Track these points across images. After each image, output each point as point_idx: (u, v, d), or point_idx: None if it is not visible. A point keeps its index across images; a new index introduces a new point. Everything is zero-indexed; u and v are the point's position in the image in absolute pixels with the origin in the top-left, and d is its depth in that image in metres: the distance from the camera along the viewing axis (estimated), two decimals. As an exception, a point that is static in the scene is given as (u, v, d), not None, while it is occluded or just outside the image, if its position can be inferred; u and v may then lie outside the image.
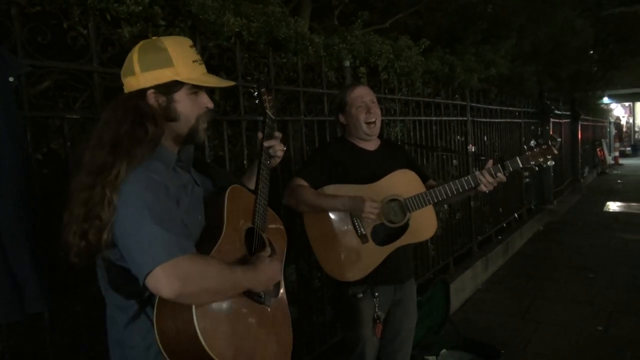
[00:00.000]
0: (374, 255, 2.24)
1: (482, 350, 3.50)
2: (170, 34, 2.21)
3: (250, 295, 1.40)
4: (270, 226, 1.64)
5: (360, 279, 2.25)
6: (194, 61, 1.38)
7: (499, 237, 6.24)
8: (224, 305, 1.32)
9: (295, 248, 2.85)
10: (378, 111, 2.35)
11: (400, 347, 2.46)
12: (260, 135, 1.70)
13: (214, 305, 1.28)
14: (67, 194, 1.28)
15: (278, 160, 1.73)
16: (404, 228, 2.26)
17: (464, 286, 4.82)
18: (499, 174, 2.17)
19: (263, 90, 1.74)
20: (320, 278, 3.14)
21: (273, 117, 1.74)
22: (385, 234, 2.25)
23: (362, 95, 2.33)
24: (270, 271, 1.43)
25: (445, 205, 4.81)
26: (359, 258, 2.24)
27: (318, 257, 2.28)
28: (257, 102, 1.75)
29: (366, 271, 2.24)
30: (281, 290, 1.60)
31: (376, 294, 2.31)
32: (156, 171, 1.27)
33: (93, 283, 1.46)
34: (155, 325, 1.23)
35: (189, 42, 1.41)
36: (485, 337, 3.78)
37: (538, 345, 3.81)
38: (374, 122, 2.32)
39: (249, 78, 2.68)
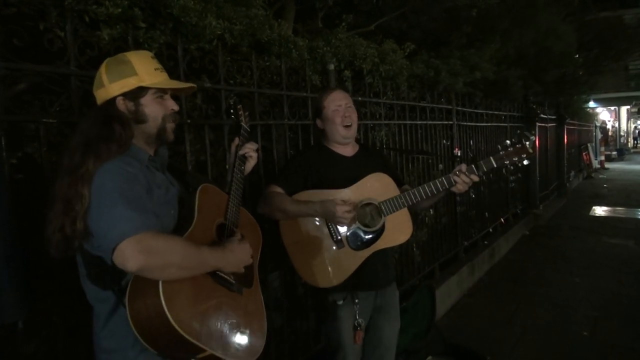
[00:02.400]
0: (351, 260, 2.26)
1: (468, 357, 3.53)
2: (151, 37, 2.21)
3: (221, 281, 1.50)
4: (244, 224, 1.75)
5: (339, 285, 2.26)
6: (155, 69, 1.56)
7: (485, 242, 6.31)
8: (193, 285, 1.39)
9: (278, 253, 2.85)
10: (354, 116, 2.39)
11: (383, 354, 2.47)
12: (236, 140, 1.88)
13: (182, 283, 1.36)
14: (51, 197, 1.41)
15: (253, 162, 1.89)
16: (379, 232, 2.28)
17: (449, 292, 4.86)
18: (472, 175, 2.22)
19: (240, 106, 1.94)
20: (305, 285, 3.14)
21: (248, 129, 1.95)
22: (361, 238, 2.27)
23: (338, 99, 2.37)
24: (239, 252, 1.54)
25: (431, 210, 4.85)
26: (336, 264, 2.26)
27: (294, 264, 2.30)
28: (232, 117, 1.94)
29: (343, 277, 2.26)
30: (255, 283, 1.69)
31: (356, 300, 2.32)
32: (130, 164, 1.42)
33: (71, 290, 1.46)
34: (127, 307, 1.32)
35: (150, 54, 1.61)
36: (471, 343, 3.82)
37: (524, 351, 3.86)
38: (351, 126, 2.36)
39: (232, 82, 2.69)
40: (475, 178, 2.22)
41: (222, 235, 1.61)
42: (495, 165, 2.22)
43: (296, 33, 3.86)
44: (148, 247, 1.26)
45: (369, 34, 5.41)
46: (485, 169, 2.23)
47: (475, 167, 2.23)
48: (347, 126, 2.35)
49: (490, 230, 6.71)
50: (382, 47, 4.28)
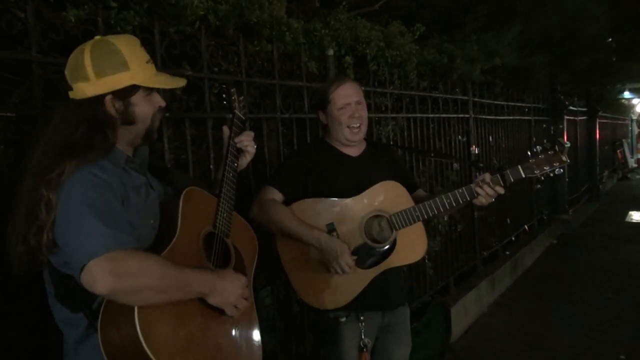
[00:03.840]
0: (356, 280, 2.25)
1: (488, 384, 3.53)
2: (124, 19, 2.21)
3: (208, 305, 1.48)
4: (237, 232, 1.72)
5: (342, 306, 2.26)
6: (147, 62, 1.54)
7: (507, 253, 6.31)
8: (175, 308, 1.37)
9: (271, 267, 2.85)
10: (364, 114, 2.37)
11: (392, 380, 2.46)
12: (226, 131, 1.84)
13: (162, 307, 1.34)
14: (14, 202, 1.40)
15: (249, 158, 1.88)
16: (390, 249, 2.28)
17: (466, 310, 4.85)
18: (497, 187, 2.21)
19: (233, 90, 1.90)
20: (300, 302, 3.14)
21: (243, 118, 1.90)
22: (368, 255, 2.27)
23: (348, 95, 2.33)
24: (229, 281, 1.52)
25: (445, 216, 4.85)
26: (339, 283, 2.25)
27: (292, 281, 2.29)
28: (224, 102, 1.91)
29: (347, 298, 2.25)
30: (247, 303, 1.66)
31: (361, 317, 2.32)
32: (101, 169, 1.40)
33: (33, 309, 1.45)
34: (99, 333, 1.31)
35: (137, 41, 1.57)
36: (491, 369, 3.81)
37: (552, 377, 3.86)
38: (359, 128, 2.34)
39: (216, 69, 2.69)
40: (501, 190, 2.21)
41: (210, 247, 1.59)
42: (524, 176, 2.22)
43: (290, 14, 3.86)
44: (119, 267, 1.25)
45: (372, 14, 5.41)
46: (512, 180, 2.22)
47: (501, 177, 2.21)
48: (354, 127, 2.33)
49: (513, 238, 6.72)
50: (388, 30, 4.28)
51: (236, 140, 1.82)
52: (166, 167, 1.82)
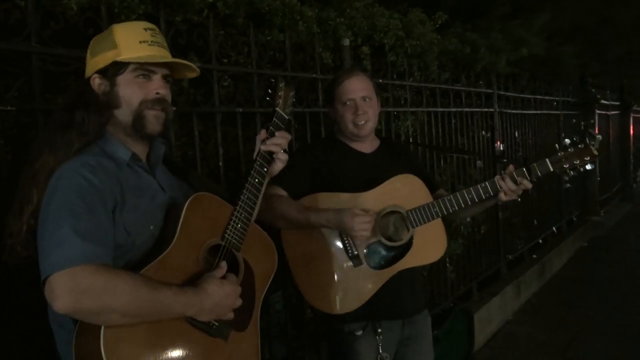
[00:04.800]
0: (369, 282, 2.22)
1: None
2: (128, 7, 2.21)
3: (195, 322, 1.42)
4: (252, 246, 1.65)
5: (355, 312, 2.23)
6: (141, 42, 1.50)
7: (533, 256, 6.27)
8: (150, 330, 1.31)
9: (282, 271, 2.84)
10: (371, 111, 2.33)
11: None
12: (262, 134, 1.73)
13: (134, 328, 1.29)
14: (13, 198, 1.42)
15: (281, 166, 1.76)
16: (406, 247, 2.25)
17: (490, 317, 4.83)
18: (524, 181, 2.17)
19: (282, 85, 1.79)
20: (314, 308, 3.13)
21: (286, 117, 1.78)
22: (383, 254, 2.25)
23: (352, 90, 2.30)
24: (218, 295, 1.44)
25: (468, 218, 4.82)
26: (350, 285, 2.22)
27: (298, 283, 2.27)
28: (268, 97, 1.80)
29: (359, 302, 2.22)
30: (251, 325, 1.61)
31: (379, 330, 2.29)
32: (93, 169, 1.38)
33: (27, 316, 1.45)
34: (73, 341, 1.29)
35: (147, 25, 1.56)
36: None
37: (582, 390, 3.83)
38: (365, 124, 2.31)
39: (225, 60, 2.68)
40: (528, 184, 2.18)
41: (214, 262, 1.54)
42: (552, 169, 2.19)
43: (303, 1, 3.85)
44: (81, 285, 1.20)
45: (391, 2, 5.39)
46: (539, 174, 2.19)
47: (527, 170, 2.18)
48: (359, 124, 2.30)
49: (540, 241, 6.68)
50: (408, 18, 4.26)
51: (268, 143, 1.71)
52: (187, 168, 1.78)
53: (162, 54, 1.53)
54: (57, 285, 1.20)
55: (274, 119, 1.75)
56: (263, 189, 1.72)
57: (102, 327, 1.24)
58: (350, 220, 2.10)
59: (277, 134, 1.73)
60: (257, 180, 1.67)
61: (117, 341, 1.25)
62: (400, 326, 2.37)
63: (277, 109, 1.77)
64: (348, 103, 2.30)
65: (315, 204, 2.26)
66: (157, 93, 1.52)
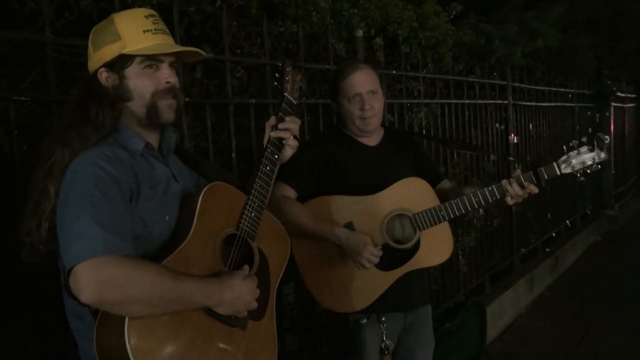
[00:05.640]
0: (377, 282, 2.25)
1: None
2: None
3: (215, 313, 1.42)
4: (266, 234, 1.65)
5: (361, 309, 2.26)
6: (145, 31, 1.48)
7: (547, 250, 6.24)
8: (172, 321, 1.32)
9: (294, 262, 2.84)
10: (378, 105, 2.29)
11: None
12: (272, 120, 1.72)
13: (157, 319, 1.30)
14: (27, 193, 1.43)
15: (291, 152, 1.75)
16: (413, 250, 2.26)
17: (503, 310, 4.81)
18: (530, 185, 2.17)
19: (288, 69, 1.77)
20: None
21: (294, 102, 1.76)
22: (390, 256, 2.25)
23: (358, 85, 2.25)
24: (240, 290, 1.45)
25: (480, 210, 4.80)
26: (358, 286, 2.24)
27: (307, 283, 2.30)
28: (275, 82, 1.79)
29: (367, 302, 2.25)
30: (268, 313, 1.62)
31: (383, 319, 2.32)
32: (110, 159, 1.38)
33: (45, 306, 1.46)
34: (94, 334, 1.29)
35: (147, 12, 1.53)
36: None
37: (595, 385, 3.81)
38: (372, 118, 2.29)
39: (238, 51, 2.68)
40: (534, 189, 2.18)
41: (229, 251, 1.54)
42: (559, 173, 2.20)
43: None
44: (106, 276, 1.21)
45: (404, -7, 5.37)
46: (547, 178, 2.20)
47: (534, 174, 2.18)
48: (366, 119, 2.28)
49: (554, 235, 6.64)
50: (422, 9, 4.24)
51: (280, 126, 1.70)
52: (198, 157, 1.77)
53: (167, 42, 1.51)
54: (82, 276, 1.21)
55: (283, 104, 1.74)
56: (274, 176, 1.71)
57: (126, 319, 1.24)
58: (362, 248, 2.14)
59: (286, 118, 1.72)
60: (268, 168, 1.67)
61: (141, 332, 1.26)
62: (403, 316, 2.41)
63: (285, 94, 1.75)
64: (354, 98, 2.25)
65: (322, 207, 2.26)
66: (167, 82, 1.52)
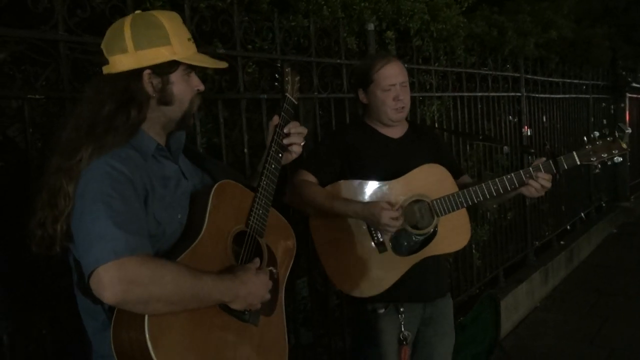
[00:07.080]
0: (393, 267, 2.25)
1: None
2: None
3: (229, 310, 1.45)
4: (273, 231, 1.68)
5: (377, 295, 2.26)
6: (188, 39, 1.52)
7: (562, 243, 6.22)
8: (189, 318, 1.35)
9: (307, 257, 2.85)
10: (407, 96, 2.34)
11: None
12: (275, 119, 1.74)
13: (175, 316, 1.32)
14: (39, 182, 1.42)
15: (294, 156, 1.78)
16: (431, 236, 2.27)
17: (517, 304, 4.80)
18: (545, 176, 2.19)
19: (288, 70, 1.81)
20: (340, 294, 3.14)
21: (295, 102, 1.80)
22: (408, 242, 2.27)
23: (393, 75, 2.30)
24: (254, 285, 1.47)
25: (495, 204, 4.79)
26: (375, 270, 2.25)
27: (325, 267, 2.31)
28: (276, 83, 1.81)
29: (383, 287, 2.26)
30: (278, 308, 1.64)
31: (401, 309, 2.32)
32: (124, 160, 1.38)
33: (59, 301, 1.47)
34: (111, 332, 1.32)
35: (179, 18, 1.56)
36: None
37: (611, 378, 3.79)
38: (402, 109, 2.33)
39: (250, 47, 2.68)
40: (547, 184, 2.22)
41: (241, 246, 1.56)
42: (579, 163, 2.21)
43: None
44: (130, 276, 1.24)
45: (416, -15, 5.34)
46: (566, 167, 2.21)
47: (554, 164, 2.19)
48: (399, 110, 2.31)
49: (568, 227, 6.60)
50: (433, 2, 4.21)
51: (285, 130, 1.73)
52: (203, 155, 1.80)
53: (202, 55, 1.56)
54: (106, 277, 1.23)
55: (284, 104, 1.78)
56: (278, 174, 1.74)
57: (146, 317, 1.26)
58: (378, 214, 2.13)
59: (293, 130, 1.74)
60: (273, 166, 1.69)
61: (161, 330, 1.29)
62: (422, 307, 2.40)
63: (286, 94, 1.80)
64: (389, 89, 2.29)
65: (341, 191, 2.28)
66: (198, 90, 1.56)
